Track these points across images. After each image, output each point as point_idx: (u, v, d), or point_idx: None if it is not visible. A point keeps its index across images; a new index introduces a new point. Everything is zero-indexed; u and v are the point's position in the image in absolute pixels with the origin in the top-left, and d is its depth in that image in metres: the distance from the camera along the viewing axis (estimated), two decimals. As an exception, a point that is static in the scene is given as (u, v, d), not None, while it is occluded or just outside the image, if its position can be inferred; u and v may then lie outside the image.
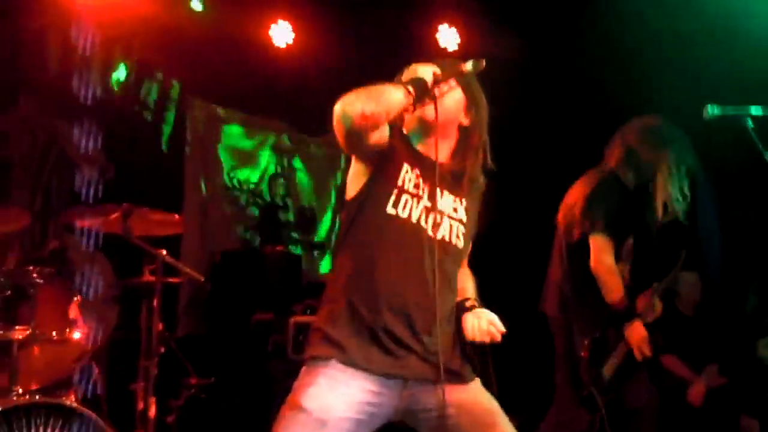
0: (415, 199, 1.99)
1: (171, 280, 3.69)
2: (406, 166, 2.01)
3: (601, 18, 5.10)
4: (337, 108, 1.90)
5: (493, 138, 2.18)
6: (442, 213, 2.01)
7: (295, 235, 6.20)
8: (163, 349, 3.49)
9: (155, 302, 3.45)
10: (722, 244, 5.68)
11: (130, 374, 3.50)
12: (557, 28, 5.36)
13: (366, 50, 5.52)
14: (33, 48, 4.67)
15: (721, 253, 5.64)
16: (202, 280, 3.77)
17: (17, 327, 2.90)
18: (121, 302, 3.99)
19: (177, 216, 3.68)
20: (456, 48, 5.72)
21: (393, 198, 1.96)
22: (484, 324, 1.97)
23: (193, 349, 4.24)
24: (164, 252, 3.43)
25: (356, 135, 1.90)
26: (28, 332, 2.91)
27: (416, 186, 2.00)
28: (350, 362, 1.89)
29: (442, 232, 2.00)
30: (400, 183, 1.98)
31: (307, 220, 6.38)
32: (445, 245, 2.00)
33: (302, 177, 6.41)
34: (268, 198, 6.14)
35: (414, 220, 1.97)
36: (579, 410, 3.21)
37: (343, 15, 5.41)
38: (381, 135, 1.97)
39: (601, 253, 3.15)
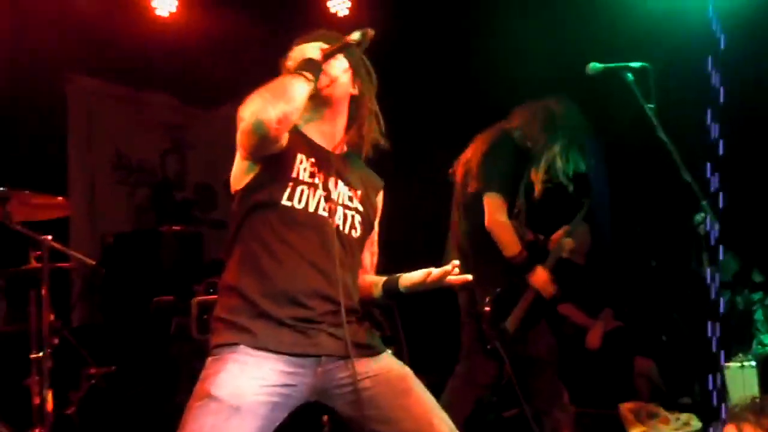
0: (312, 189, 1.96)
1: (60, 266, 3.51)
2: (300, 156, 1.98)
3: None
4: (247, 116, 1.82)
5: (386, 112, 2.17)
6: (336, 203, 2.00)
7: (194, 212, 6.02)
8: (56, 340, 3.34)
9: (44, 291, 3.28)
10: (610, 200, 5.99)
11: (24, 369, 3.33)
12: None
13: (254, 18, 5.37)
14: None
15: (609, 207, 5.95)
16: (93, 264, 3.61)
17: None
18: (8, 293, 3.78)
19: (61, 198, 3.49)
20: (347, 13, 5.65)
21: (288, 190, 1.93)
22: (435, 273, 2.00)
23: (91, 337, 4.09)
24: (50, 237, 3.25)
25: (271, 141, 1.86)
26: None
27: (311, 175, 1.97)
28: (260, 345, 1.84)
29: (338, 222, 1.99)
30: (294, 174, 1.95)
31: (206, 197, 6.20)
32: (342, 235, 1.99)
33: (197, 152, 6.20)
34: (161, 176, 5.91)
35: (311, 209, 1.95)
36: (486, 363, 3.31)
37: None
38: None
39: (495, 211, 3.25)
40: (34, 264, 3.33)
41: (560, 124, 3.38)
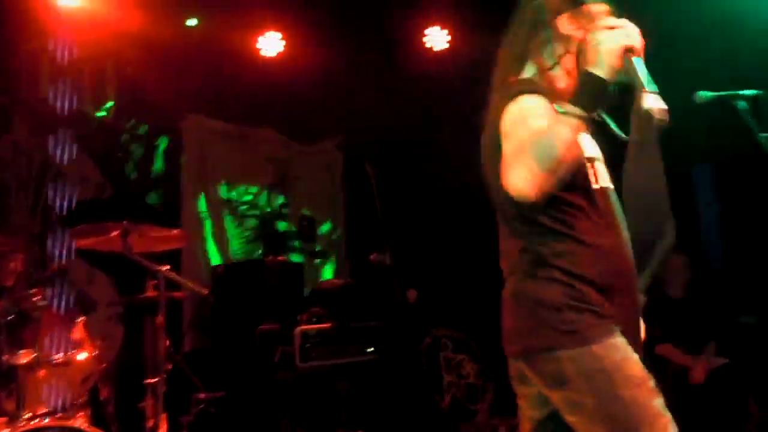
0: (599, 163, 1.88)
1: (174, 295, 3.68)
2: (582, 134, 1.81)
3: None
4: (511, 188, 1.67)
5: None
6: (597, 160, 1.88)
7: (295, 244, 6.20)
8: (170, 366, 3.48)
9: (160, 318, 3.44)
10: (722, 229, 5.68)
11: (139, 392, 3.49)
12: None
13: (356, 55, 5.53)
14: (24, 71, 4.67)
15: (721, 237, 5.64)
16: (206, 293, 3.76)
17: (22, 351, 2.90)
18: (125, 320, 3.98)
19: (177, 231, 3.67)
20: (446, 47, 5.72)
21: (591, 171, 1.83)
22: None
23: (201, 363, 4.23)
24: (166, 267, 3.42)
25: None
26: (33, 356, 2.90)
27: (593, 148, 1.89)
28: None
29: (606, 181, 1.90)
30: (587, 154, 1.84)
31: (307, 229, 6.37)
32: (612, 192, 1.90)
33: (300, 185, 6.40)
34: (266, 208, 6.13)
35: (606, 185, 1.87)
36: None
37: (332, 22, 5.42)
38: None
39: None
40: (151, 293, 3.51)
41: None
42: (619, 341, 1.73)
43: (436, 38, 5.72)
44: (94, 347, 3.22)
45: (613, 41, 1.68)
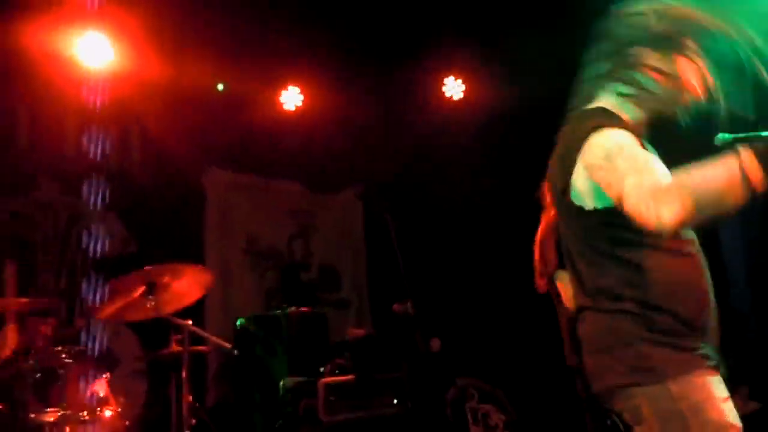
0: None
1: (198, 348, 3.68)
2: None
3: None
4: (661, 223, 1.52)
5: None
6: None
7: (319, 293, 6.19)
8: (194, 421, 3.47)
9: (184, 373, 3.43)
10: (749, 269, 5.57)
11: (163, 448, 3.46)
12: (563, 76, 5.36)
13: (374, 107, 5.61)
14: (50, 131, 4.79)
15: (747, 278, 5.54)
16: (230, 348, 3.76)
17: (48, 409, 2.91)
18: (149, 375, 3.98)
19: (201, 266, 3.64)
20: (461, 96, 5.79)
21: None
22: None
23: (224, 417, 4.19)
24: (190, 322, 3.43)
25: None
26: (59, 414, 2.91)
27: None
28: None
29: None
30: None
31: (330, 278, 6.37)
32: None
33: (321, 236, 6.43)
34: (288, 259, 6.15)
35: None
36: None
37: (350, 74, 5.52)
38: None
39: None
40: (175, 347, 3.52)
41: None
42: (702, 380, 1.65)
43: (454, 88, 5.80)
44: (119, 403, 3.23)
45: None
